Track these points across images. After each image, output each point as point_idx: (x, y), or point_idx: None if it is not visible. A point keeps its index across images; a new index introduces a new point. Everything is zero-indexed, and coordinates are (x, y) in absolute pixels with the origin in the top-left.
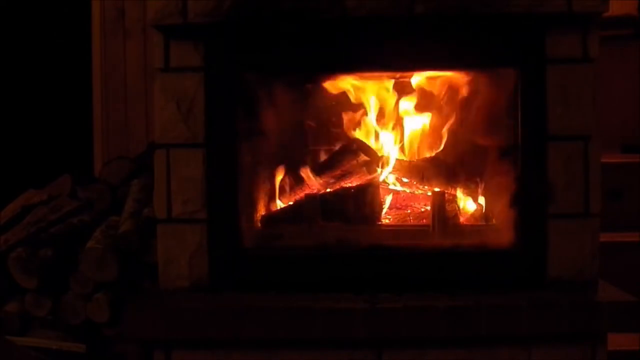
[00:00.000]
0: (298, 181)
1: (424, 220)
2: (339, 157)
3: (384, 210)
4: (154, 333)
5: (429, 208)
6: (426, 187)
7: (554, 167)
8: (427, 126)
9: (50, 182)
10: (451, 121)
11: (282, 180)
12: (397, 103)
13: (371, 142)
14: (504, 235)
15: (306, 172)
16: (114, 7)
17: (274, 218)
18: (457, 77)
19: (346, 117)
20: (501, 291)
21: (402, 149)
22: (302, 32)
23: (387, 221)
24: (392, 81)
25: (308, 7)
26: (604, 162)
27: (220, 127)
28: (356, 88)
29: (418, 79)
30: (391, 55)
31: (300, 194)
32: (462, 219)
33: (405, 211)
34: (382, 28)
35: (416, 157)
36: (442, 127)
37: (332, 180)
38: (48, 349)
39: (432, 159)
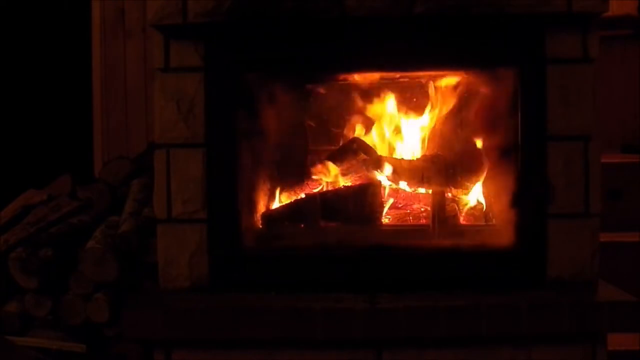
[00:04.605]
0: (298, 181)
1: (424, 220)
2: (339, 157)
3: (384, 210)
4: (154, 333)
5: (429, 208)
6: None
7: (554, 167)
8: (427, 126)
9: (50, 182)
10: (451, 121)
11: (281, 179)
12: (396, 103)
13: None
14: (504, 235)
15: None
16: (114, 7)
17: (274, 218)
18: (457, 77)
19: (346, 117)
20: (501, 291)
21: (402, 148)
22: (301, 32)
23: (387, 221)
24: (392, 81)
25: (308, 7)
26: (604, 162)
27: (220, 127)
28: (356, 88)
29: (418, 79)
30: (391, 55)
31: (300, 194)
32: (462, 219)
33: (405, 211)
34: (382, 28)
35: (416, 157)
36: (443, 127)
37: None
38: (48, 349)
39: (432, 158)
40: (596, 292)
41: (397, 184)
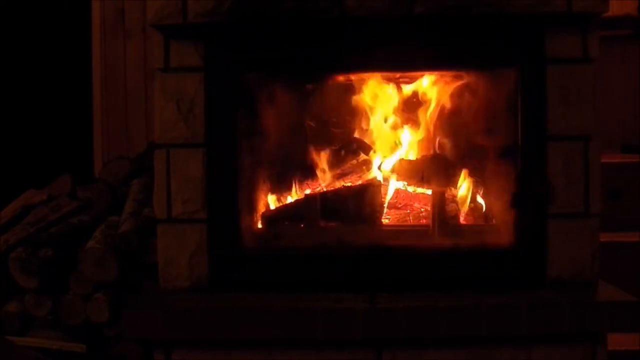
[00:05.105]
0: (298, 181)
1: (424, 220)
2: (339, 157)
3: (384, 210)
4: (153, 333)
5: (429, 208)
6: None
7: (554, 167)
8: (428, 126)
9: (50, 182)
10: (451, 121)
11: (281, 180)
12: (396, 103)
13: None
14: (504, 235)
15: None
16: (114, 7)
17: (274, 218)
18: (457, 77)
19: (346, 117)
20: (501, 291)
21: (402, 148)
22: (301, 32)
23: (387, 221)
24: (392, 81)
25: (308, 7)
26: (604, 162)
27: (220, 127)
28: (356, 88)
29: (418, 79)
30: (391, 55)
31: (300, 194)
32: (462, 219)
33: (405, 211)
34: (382, 28)
35: (416, 157)
36: (443, 127)
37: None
38: (48, 349)
39: (432, 158)
40: (596, 292)
41: (396, 184)
